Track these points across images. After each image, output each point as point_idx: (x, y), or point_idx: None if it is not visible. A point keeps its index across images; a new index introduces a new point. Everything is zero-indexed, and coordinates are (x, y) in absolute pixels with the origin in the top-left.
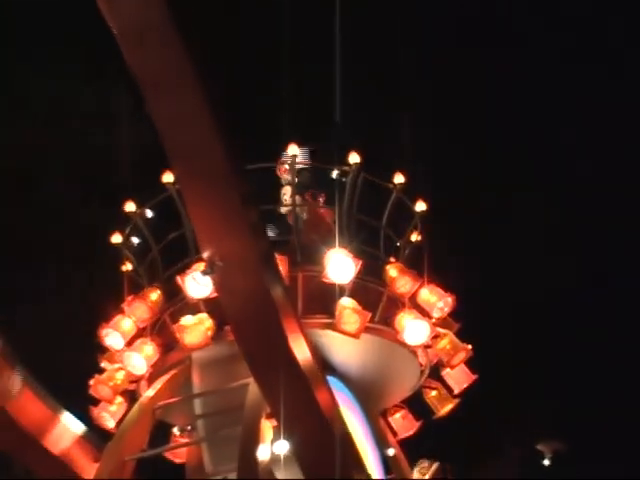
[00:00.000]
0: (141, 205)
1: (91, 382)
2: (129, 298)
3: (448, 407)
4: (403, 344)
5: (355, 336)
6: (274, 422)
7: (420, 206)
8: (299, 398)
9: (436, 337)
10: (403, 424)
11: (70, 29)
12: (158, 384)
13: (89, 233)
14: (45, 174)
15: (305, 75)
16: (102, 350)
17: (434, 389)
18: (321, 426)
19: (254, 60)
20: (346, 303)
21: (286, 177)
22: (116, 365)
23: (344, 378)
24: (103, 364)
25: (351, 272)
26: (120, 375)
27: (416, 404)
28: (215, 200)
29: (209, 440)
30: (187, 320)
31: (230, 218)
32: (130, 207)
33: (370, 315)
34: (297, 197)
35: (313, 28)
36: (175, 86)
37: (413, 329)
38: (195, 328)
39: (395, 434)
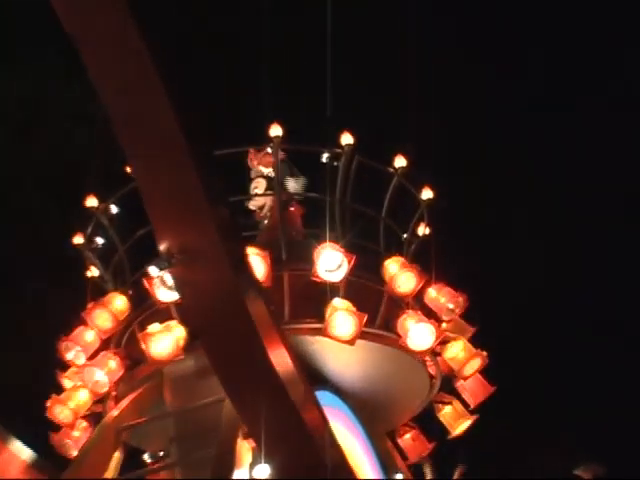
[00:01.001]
0: (104, 200)
1: (48, 403)
2: (90, 305)
3: (464, 425)
4: (408, 351)
5: (349, 342)
6: (253, 443)
7: (426, 194)
8: (280, 416)
9: (446, 342)
10: (414, 446)
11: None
12: (123, 403)
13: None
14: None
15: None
16: (62, 366)
17: (447, 404)
18: (307, 447)
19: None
20: (338, 304)
21: (259, 169)
22: (78, 383)
23: (341, 392)
24: (64, 382)
25: (343, 269)
26: (82, 395)
27: (429, 423)
28: (172, 183)
29: (181, 465)
30: (154, 328)
31: (190, 205)
32: (92, 202)
33: (366, 318)
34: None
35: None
36: (119, 51)
37: (417, 333)
38: (163, 337)
39: (405, 458)
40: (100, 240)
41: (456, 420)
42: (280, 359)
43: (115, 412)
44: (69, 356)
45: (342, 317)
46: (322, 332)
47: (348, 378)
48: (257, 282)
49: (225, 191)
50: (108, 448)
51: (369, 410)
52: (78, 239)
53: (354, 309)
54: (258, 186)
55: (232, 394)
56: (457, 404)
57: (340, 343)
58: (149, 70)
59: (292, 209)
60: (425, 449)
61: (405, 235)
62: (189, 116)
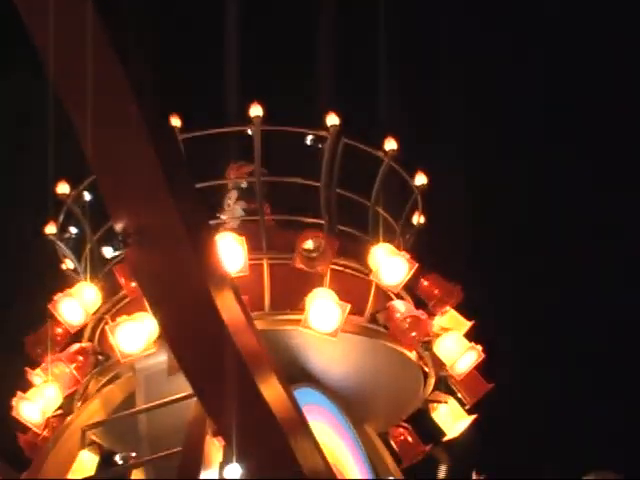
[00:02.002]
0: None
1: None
2: (56, 297)
3: (461, 426)
4: (398, 343)
5: (331, 334)
6: (223, 442)
7: (420, 179)
8: (252, 413)
9: (437, 335)
10: (407, 448)
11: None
12: (91, 401)
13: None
14: None
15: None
16: (30, 362)
17: (443, 403)
18: (282, 447)
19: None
20: (319, 294)
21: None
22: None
23: (326, 389)
24: (34, 379)
25: (323, 254)
26: (51, 392)
27: (424, 423)
28: (124, 154)
29: (148, 465)
30: (122, 319)
31: (145, 178)
32: (63, 189)
33: (349, 308)
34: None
35: None
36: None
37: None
38: (133, 329)
39: (398, 461)
40: (74, 230)
41: (452, 420)
42: (252, 354)
43: (80, 410)
44: (37, 352)
45: (323, 307)
46: (302, 324)
47: (334, 375)
48: (224, 269)
49: (187, 165)
50: (72, 448)
51: (358, 409)
52: (50, 228)
53: (337, 299)
54: (230, 197)
55: (198, 391)
56: (453, 403)
57: (323, 336)
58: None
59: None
60: (420, 451)
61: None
62: (141, 78)
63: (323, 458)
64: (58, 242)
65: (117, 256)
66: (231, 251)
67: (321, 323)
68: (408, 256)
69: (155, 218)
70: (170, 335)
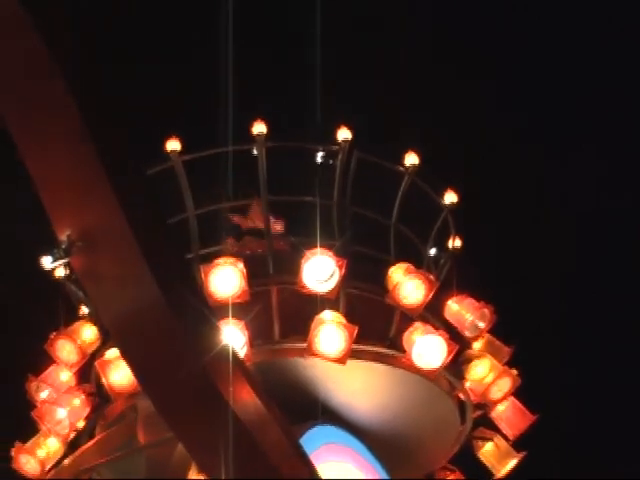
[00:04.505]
0: None
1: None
2: (52, 336)
3: (510, 464)
4: (420, 373)
5: (339, 361)
6: None
7: (450, 197)
8: (247, 465)
9: (469, 362)
10: None
11: None
12: (87, 444)
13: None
14: None
15: None
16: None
17: (488, 440)
18: None
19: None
20: (326, 317)
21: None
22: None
23: (349, 426)
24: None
25: (333, 276)
26: (52, 442)
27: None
28: (63, 153)
29: None
30: (111, 354)
31: (87, 178)
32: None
33: (356, 330)
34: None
35: None
36: None
37: (424, 347)
38: (123, 364)
39: None
40: None
41: (500, 459)
42: (240, 394)
43: (77, 453)
44: (42, 396)
45: (328, 331)
46: (307, 350)
47: (357, 409)
48: (189, 278)
49: (135, 160)
50: None
51: (389, 448)
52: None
53: (344, 321)
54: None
55: (180, 435)
56: (499, 440)
57: (338, 364)
58: None
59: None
60: None
61: (432, 249)
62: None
63: None
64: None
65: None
66: (228, 277)
67: (327, 348)
68: (428, 276)
69: (98, 221)
70: (132, 363)
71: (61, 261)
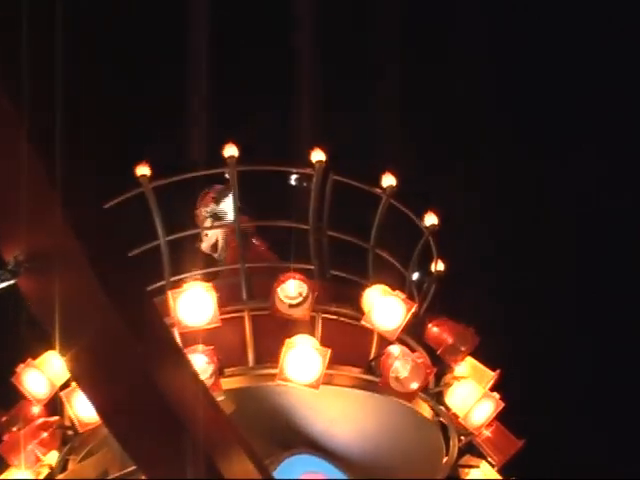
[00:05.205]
0: None
1: None
2: (19, 368)
3: None
4: (393, 394)
5: (312, 385)
6: None
7: (430, 219)
8: None
9: (448, 385)
10: None
11: None
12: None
13: None
14: None
15: None
16: None
17: (474, 467)
18: None
19: None
20: (296, 341)
21: (202, 213)
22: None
23: (328, 455)
24: None
25: (306, 300)
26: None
27: None
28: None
29: None
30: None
31: (34, 196)
32: None
33: (329, 353)
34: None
35: None
36: None
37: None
38: None
39: None
40: None
41: None
42: (207, 425)
43: None
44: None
45: (299, 355)
46: (278, 376)
47: (336, 437)
48: (146, 298)
49: (88, 175)
50: None
51: (372, 476)
52: None
53: (317, 345)
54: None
55: (144, 469)
56: (486, 467)
57: (303, 388)
58: None
59: (254, 241)
60: None
61: (415, 273)
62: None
63: None
64: None
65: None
66: (199, 301)
67: (299, 373)
68: (403, 296)
69: (47, 240)
70: (89, 394)
71: (6, 283)
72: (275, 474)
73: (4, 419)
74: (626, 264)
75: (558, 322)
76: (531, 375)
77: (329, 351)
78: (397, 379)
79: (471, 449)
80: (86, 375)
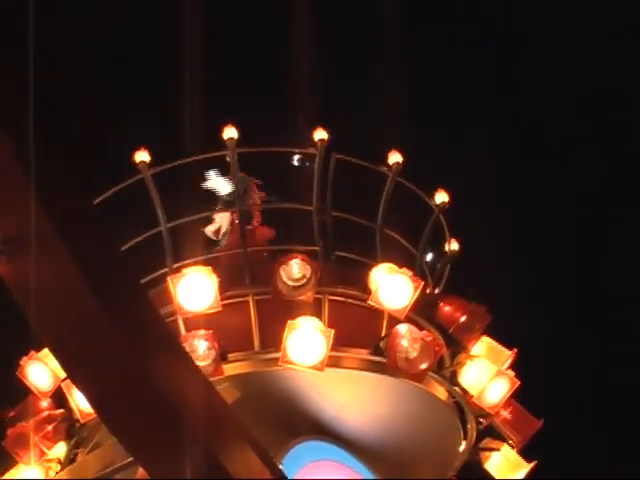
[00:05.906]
0: None
1: None
2: (23, 360)
3: (519, 475)
4: (401, 375)
5: (317, 367)
6: None
7: (440, 197)
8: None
9: (461, 364)
10: None
11: None
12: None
13: None
14: None
15: None
16: None
17: (495, 451)
18: None
19: None
20: (299, 322)
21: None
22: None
23: (340, 440)
24: None
25: (307, 280)
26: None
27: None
28: None
29: None
30: None
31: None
32: None
33: (333, 333)
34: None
35: None
36: None
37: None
38: None
39: None
40: None
41: (509, 470)
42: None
43: None
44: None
45: (302, 337)
46: (281, 359)
47: (347, 422)
48: (132, 281)
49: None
50: None
51: (386, 462)
52: None
53: (320, 326)
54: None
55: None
56: (507, 450)
57: (317, 372)
58: None
59: (256, 226)
60: None
61: (428, 253)
62: None
63: None
64: None
65: None
66: (200, 286)
67: (302, 356)
68: (410, 273)
69: (20, 222)
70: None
71: None
72: (283, 463)
73: (12, 414)
74: (626, 264)
75: (558, 322)
76: (531, 375)
77: (332, 332)
78: (407, 359)
79: (491, 432)
80: (72, 362)
